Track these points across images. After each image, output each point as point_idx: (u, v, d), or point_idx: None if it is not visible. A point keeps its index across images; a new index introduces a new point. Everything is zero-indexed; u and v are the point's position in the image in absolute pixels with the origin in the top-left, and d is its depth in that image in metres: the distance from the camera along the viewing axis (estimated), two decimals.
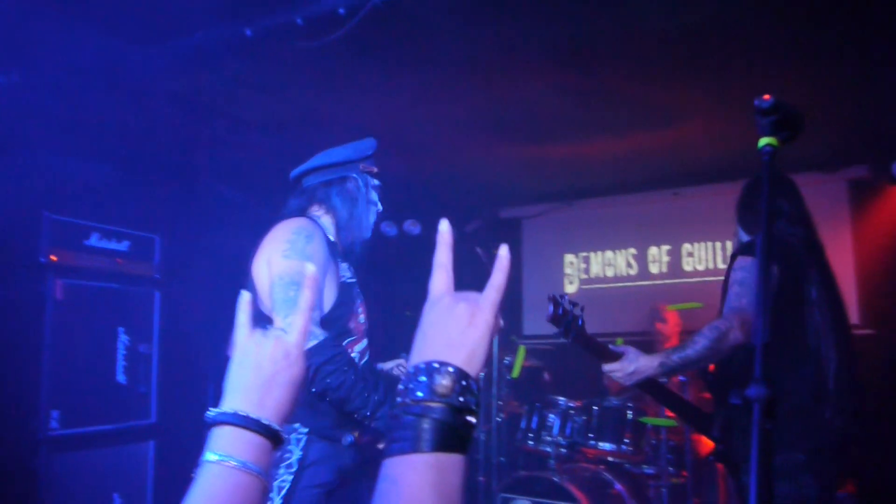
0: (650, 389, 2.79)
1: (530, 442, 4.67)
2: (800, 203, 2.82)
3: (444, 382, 0.86)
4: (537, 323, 6.67)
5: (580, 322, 2.52)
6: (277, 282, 2.17)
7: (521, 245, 6.82)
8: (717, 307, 5.44)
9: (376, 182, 2.63)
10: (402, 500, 0.81)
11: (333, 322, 2.32)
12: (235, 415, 1.01)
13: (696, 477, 4.44)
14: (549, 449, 4.54)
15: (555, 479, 4.26)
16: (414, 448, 0.83)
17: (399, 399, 0.88)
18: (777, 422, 2.37)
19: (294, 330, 1.11)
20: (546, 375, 5.30)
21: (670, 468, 4.45)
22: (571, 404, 4.65)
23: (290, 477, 2.21)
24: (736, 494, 2.68)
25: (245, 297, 1.14)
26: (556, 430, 4.59)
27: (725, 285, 2.68)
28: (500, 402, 5.01)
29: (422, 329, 0.94)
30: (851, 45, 3.53)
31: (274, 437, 1.02)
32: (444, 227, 0.99)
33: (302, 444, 2.26)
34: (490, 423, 5.05)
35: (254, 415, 1.01)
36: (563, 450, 4.54)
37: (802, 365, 2.54)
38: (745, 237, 2.89)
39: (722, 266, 5.99)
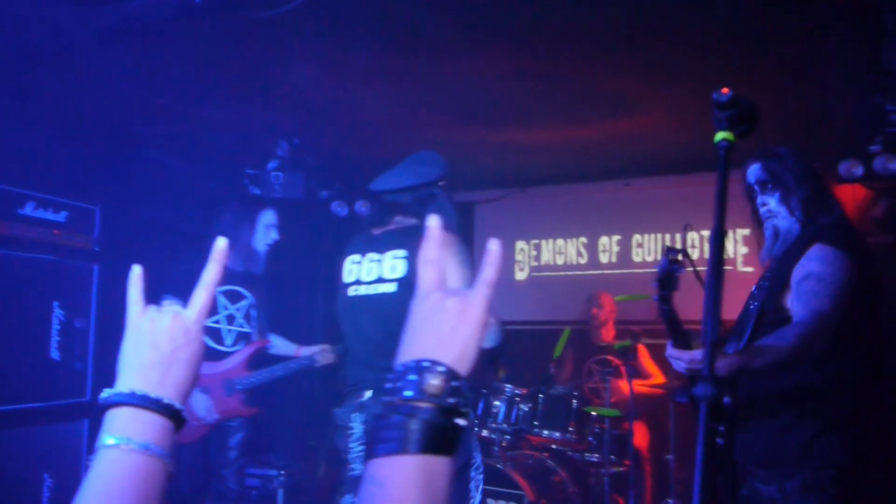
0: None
1: (475, 428, 4.65)
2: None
3: (433, 382, 0.83)
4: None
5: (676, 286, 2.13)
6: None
7: (474, 230, 6.78)
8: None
9: (447, 194, 2.93)
10: (389, 502, 0.77)
11: None
12: (133, 394, 0.94)
13: (637, 466, 4.49)
14: (493, 436, 4.53)
15: (498, 465, 4.25)
16: (401, 449, 0.80)
17: (387, 398, 0.84)
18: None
19: (195, 305, 1.06)
20: (494, 362, 5.28)
21: (612, 457, 4.49)
22: (517, 392, 4.65)
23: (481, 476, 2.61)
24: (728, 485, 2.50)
25: (136, 272, 1.07)
26: (501, 416, 4.59)
27: (784, 275, 2.30)
28: None
29: (411, 325, 0.90)
30: (803, 43, 3.57)
31: (176, 418, 0.96)
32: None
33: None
34: None
35: (153, 394, 0.95)
36: (507, 437, 4.54)
37: (866, 375, 2.26)
38: (794, 223, 2.42)
39: None
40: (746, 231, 5.81)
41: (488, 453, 4.56)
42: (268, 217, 4.12)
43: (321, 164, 5.59)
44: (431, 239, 0.95)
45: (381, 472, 0.80)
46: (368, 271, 2.76)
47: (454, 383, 0.84)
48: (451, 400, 0.83)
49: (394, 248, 2.73)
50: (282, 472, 5.15)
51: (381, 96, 4.53)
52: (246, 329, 3.89)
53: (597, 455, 4.57)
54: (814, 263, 2.22)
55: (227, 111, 4.68)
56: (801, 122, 4.66)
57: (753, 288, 2.48)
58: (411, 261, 2.65)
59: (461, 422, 0.83)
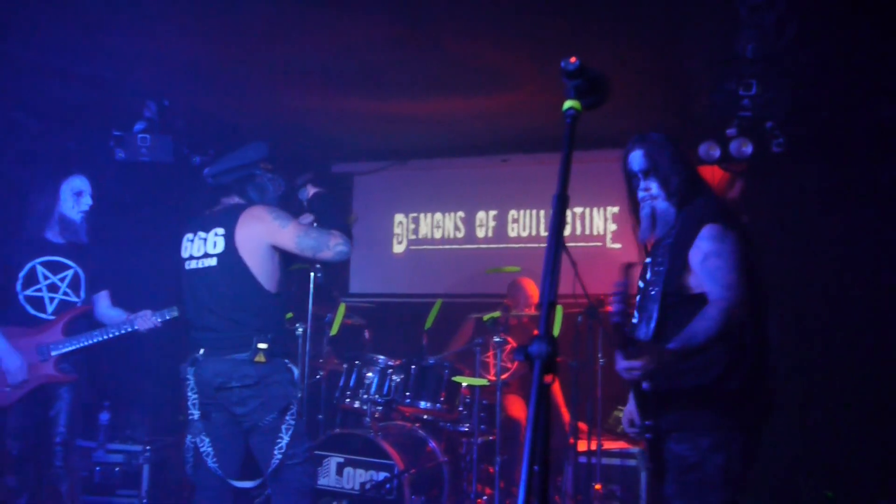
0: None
1: (348, 400, 4.64)
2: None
3: None
4: (364, 281, 6.64)
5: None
6: (302, 234, 3.07)
7: (352, 201, 6.73)
8: (538, 273, 5.60)
9: (270, 175, 3.32)
10: None
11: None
12: None
13: (504, 435, 4.61)
14: (366, 407, 4.53)
15: (369, 436, 4.27)
16: None
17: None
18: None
19: None
20: (367, 334, 5.28)
21: (482, 426, 4.59)
22: (390, 363, 4.66)
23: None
24: (656, 466, 2.53)
25: None
26: (373, 388, 4.59)
27: (679, 258, 2.40)
28: (321, 360, 4.94)
29: None
30: (669, 29, 3.73)
31: None
32: None
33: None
34: (309, 380, 4.97)
35: None
36: (379, 408, 4.55)
37: (756, 340, 2.41)
38: (670, 205, 2.53)
39: (545, 234, 6.22)
40: (616, 209, 6.08)
41: (360, 424, 4.57)
42: (74, 183, 3.84)
43: (195, 128, 5.37)
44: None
45: None
46: (198, 248, 3.15)
47: None
48: None
49: (216, 226, 3.12)
50: (147, 446, 4.99)
51: (258, 62, 4.39)
52: (72, 298, 3.78)
53: (467, 425, 4.66)
54: (708, 243, 2.37)
55: (91, 66, 4.41)
56: (664, 105, 4.88)
57: (647, 273, 2.55)
58: (228, 238, 3.06)
59: None
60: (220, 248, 3.08)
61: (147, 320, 3.60)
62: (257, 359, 3.01)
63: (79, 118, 5.28)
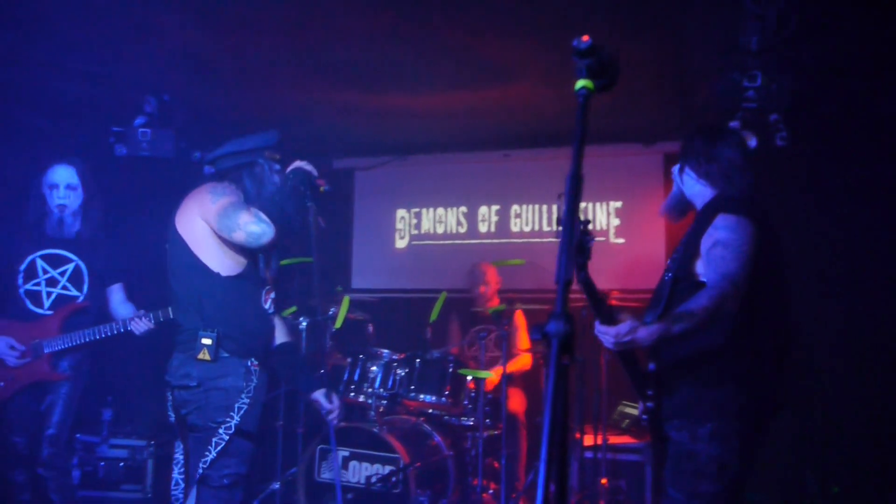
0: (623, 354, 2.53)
1: (352, 394, 4.64)
2: (748, 155, 2.62)
3: None
4: (366, 276, 6.64)
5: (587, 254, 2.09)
6: (221, 211, 2.70)
7: (354, 196, 6.72)
8: (541, 266, 5.60)
9: (278, 167, 2.96)
10: None
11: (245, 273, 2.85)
12: None
13: (509, 429, 4.61)
14: (370, 401, 4.53)
15: (374, 430, 4.27)
16: None
17: None
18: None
19: None
20: (370, 328, 5.28)
21: (487, 420, 4.59)
22: (395, 357, 4.66)
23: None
24: (657, 452, 2.60)
25: None
26: (378, 382, 4.60)
27: (693, 244, 2.46)
28: (324, 355, 4.94)
29: None
30: (671, 22, 3.72)
31: None
32: None
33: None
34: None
35: None
36: (384, 402, 4.55)
37: (772, 336, 2.44)
38: (706, 190, 2.60)
39: (548, 228, 6.22)
40: (619, 203, 6.08)
41: (364, 418, 4.57)
42: (53, 176, 3.78)
43: (194, 123, 5.36)
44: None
45: None
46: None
47: None
48: None
49: None
50: (151, 441, 4.99)
51: (259, 55, 4.38)
52: (72, 292, 3.74)
53: (472, 419, 4.66)
54: (720, 232, 2.38)
55: (89, 60, 4.39)
56: (669, 97, 4.87)
57: (668, 260, 2.65)
58: (173, 219, 2.84)
59: None
60: (170, 231, 2.84)
61: (139, 323, 3.52)
62: (200, 356, 2.68)
63: (77, 113, 5.27)
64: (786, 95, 3.79)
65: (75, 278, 3.76)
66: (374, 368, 4.63)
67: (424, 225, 6.56)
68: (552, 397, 1.05)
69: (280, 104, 5.31)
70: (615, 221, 6.06)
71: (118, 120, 5.10)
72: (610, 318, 2.26)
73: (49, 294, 3.71)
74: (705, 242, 2.42)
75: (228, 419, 2.68)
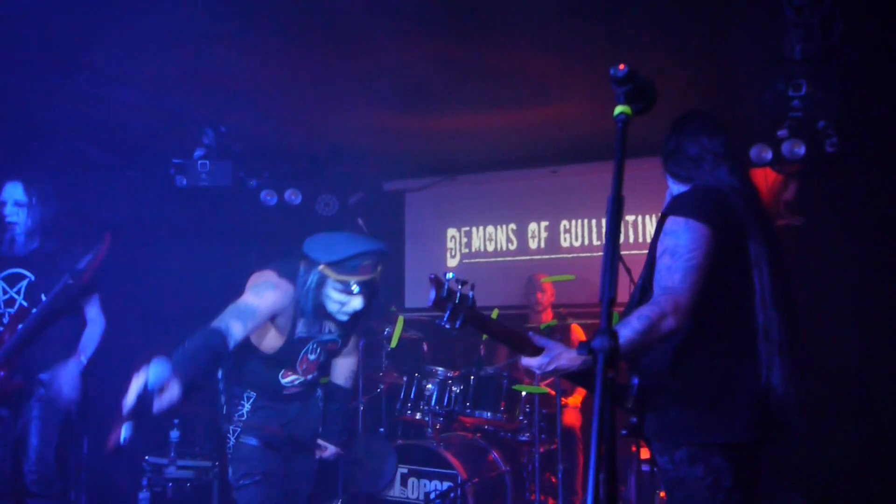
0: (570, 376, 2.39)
1: (409, 412, 4.72)
2: (725, 139, 2.36)
3: None
4: (418, 296, 6.73)
5: (469, 302, 2.09)
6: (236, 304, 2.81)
7: (404, 218, 6.84)
8: (592, 281, 5.61)
9: (340, 285, 2.89)
10: None
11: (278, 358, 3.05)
12: None
13: (565, 444, 4.62)
14: (427, 418, 4.60)
15: (431, 446, 4.33)
16: None
17: None
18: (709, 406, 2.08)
19: None
20: (425, 346, 5.37)
21: (542, 435, 4.62)
22: (449, 374, 4.73)
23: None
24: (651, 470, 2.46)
25: None
26: (434, 399, 4.66)
27: (653, 251, 2.25)
28: (381, 374, 5.04)
29: None
30: (715, 33, 3.74)
31: None
32: None
33: None
34: (369, 393, 5.08)
35: None
36: (440, 419, 4.62)
37: (750, 345, 2.18)
38: (680, 188, 2.39)
39: (598, 242, 6.24)
40: None
41: (421, 435, 4.64)
42: (4, 193, 3.67)
43: (249, 152, 5.56)
44: None
45: None
46: None
47: None
48: None
49: None
50: (216, 462, 5.13)
51: (310, 84, 4.53)
52: (24, 304, 3.60)
53: (527, 434, 4.69)
54: (668, 238, 2.17)
55: (149, 96, 4.61)
56: (715, 108, 4.85)
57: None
58: None
59: None
60: None
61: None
62: None
63: (138, 147, 5.50)
64: (832, 103, 3.76)
65: (30, 293, 3.60)
66: (429, 386, 4.70)
67: (475, 243, 6.65)
68: (598, 411, 1.11)
69: (331, 131, 5.47)
70: None
71: (178, 152, 5.33)
72: (532, 348, 2.14)
73: (8, 315, 3.59)
74: (658, 249, 2.20)
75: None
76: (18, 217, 3.63)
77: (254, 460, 3.08)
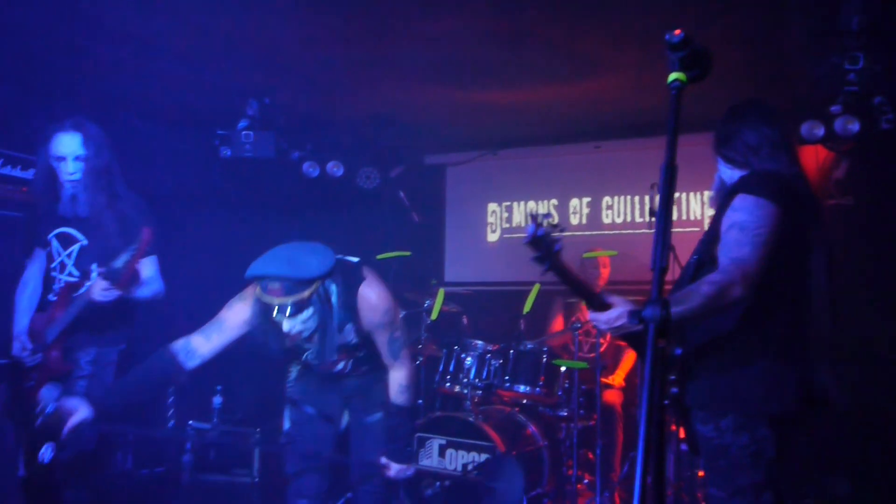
0: (629, 337, 2.54)
1: (447, 384, 4.75)
2: (783, 128, 2.47)
3: None
4: (458, 269, 6.74)
5: (557, 247, 2.18)
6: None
7: (445, 192, 6.84)
8: (636, 257, 5.54)
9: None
10: None
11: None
12: None
13: (604, 420, 4.61)
14: (465, 391, 4.63)
15: (470, 419, 4.36)
16: None
17: None
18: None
19: None
20: (465, 320, 5.38)
21: (581, 411, 4.61)
22: (489, 348, 4.74)
23: None
24: (691, 444, 2.43)
25: None
26: (472, 373, 4.68)
27: (716, 226, 2.34)
28: (420, 346, 5.07)
29: None
30: (765, 5, 3.64)
31: None
32: None
33: None
34: None
35: None
36: (478, 392, 4.63)
37: (801, 325, 2.30)
38: (734, 173, 2.48)
39: (640, 219, 6.17)
40: (713, 193, 5.94)
41: (460, 408, 4.66)
42: (57, 147, 3.25)
43: (292, 124, 5.59)
44: None
45: None
46: None
47: None
48: None
49: None
50: (257, 429, 5.23)
51: (353, 57, 4.53)
52: (74, 278, 3.32)
53: (566, 409, 4.69)
54: (737, 213, 2.26)
55: (193, 68, 4.65)
56: (766, 84, 4.75)
57: (698, 242, 2.53)
58: None
59: None
60: None
61: (100, 289, 3.05)
62: None
63: (184, 119, 5.57)
64: (890, 77, 3.64)
65: (80, 260, 3.34)
66: (468, 359, 4.72)
67: (515, 218, 6.62)
68: (649, 380, 1.10)
69: (373, 104, 5.47)
70: (710, 211, 5.93)
71: (222, 123, 5.38)
72: (601, 303, 2.23)
73: (58, 280, 3.36)
74: (723, 225, 2.28)
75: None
76: (78, 173, 3.25)
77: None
